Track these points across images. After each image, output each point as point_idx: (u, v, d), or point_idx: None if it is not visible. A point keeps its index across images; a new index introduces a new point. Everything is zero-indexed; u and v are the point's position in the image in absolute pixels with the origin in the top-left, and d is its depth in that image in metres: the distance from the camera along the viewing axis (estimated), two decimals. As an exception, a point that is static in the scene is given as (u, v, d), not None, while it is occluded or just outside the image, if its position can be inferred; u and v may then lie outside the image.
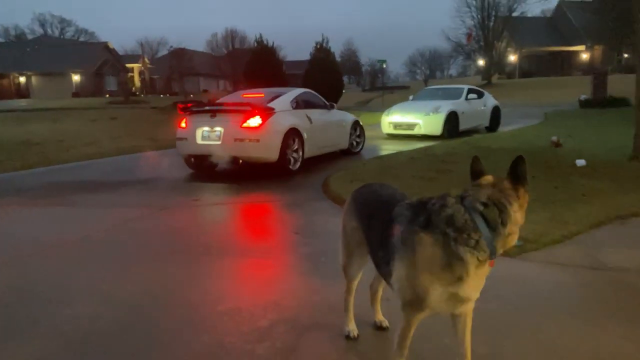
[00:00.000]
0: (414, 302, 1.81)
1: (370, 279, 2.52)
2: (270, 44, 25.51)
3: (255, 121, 6.94)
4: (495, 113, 13.43)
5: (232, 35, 55.74)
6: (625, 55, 37.01)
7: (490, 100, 13.49)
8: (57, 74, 47.65)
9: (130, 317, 2.75)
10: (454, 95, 12.73)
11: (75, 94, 46.34)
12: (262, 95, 8.09)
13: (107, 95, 43.98)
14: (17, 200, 6.07)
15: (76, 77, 49.02)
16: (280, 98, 7.75)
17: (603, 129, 11.71)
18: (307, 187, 6.53)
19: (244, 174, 7.64)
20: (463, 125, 11.97)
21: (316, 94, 9.15)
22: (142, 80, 55.60)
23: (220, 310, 2.73)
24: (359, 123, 9.72)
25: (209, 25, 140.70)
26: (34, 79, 49.40)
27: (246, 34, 56.47)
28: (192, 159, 7.68)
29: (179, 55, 51.26)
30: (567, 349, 2.27)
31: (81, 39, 66.76)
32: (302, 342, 2.37)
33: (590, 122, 13.58)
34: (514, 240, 1.74)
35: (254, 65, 24.75)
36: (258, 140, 6.90)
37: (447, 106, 11.67)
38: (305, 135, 7.65)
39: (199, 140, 7.19)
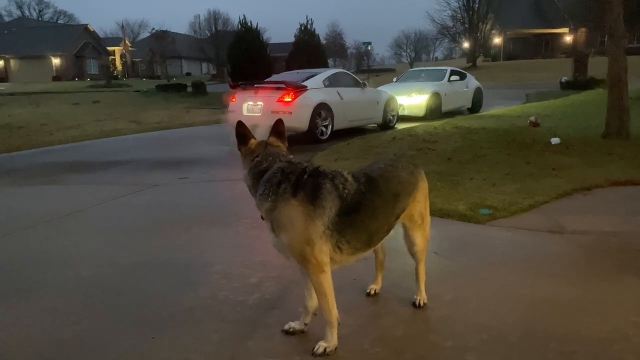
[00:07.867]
0: None
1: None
2: (254, 25, 25.30)
3: (288, 97, 8.10)
4: (478, 94, 13.63)
5: (215, 17, 54.98)
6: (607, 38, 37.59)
7: (472, 82, 13.68)
8: (36, 57, 46.59)
9: (130, 276, 2.99)
10: (436, 77, 12.93)
11: (56, 78, 45.45)
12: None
13: (89, 79, 43.26)
14: (8, 180, 6.18)
15: (56, 61, 47.98)
16: (314, 77, 8.90)
17: (581, 109, 12.05)
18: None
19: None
20: (445, 107, 12.18)
21: (350, 73, 10.19)
22: (124, 64, 54.67)
23: (213, 271, 2.98)
24: (393, 100, 10.42)
25: (191, 7, 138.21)
26: (12, 63, 48.26)
27: (229, 15, 55.78)
28: None
29: (161, 37, 50.37)
30: (522, 294, 2.57)
31: (60, 21, 65.24)
32: (287, 293, 2.64)
33: (569, 103, 13.94)
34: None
35: (237, 47, 24.56)
36: (291, 113, 7.91)
37: (429, 88, 11.86)
38: (334, 110, 8.62)
39: (245, 112, 8.36)
